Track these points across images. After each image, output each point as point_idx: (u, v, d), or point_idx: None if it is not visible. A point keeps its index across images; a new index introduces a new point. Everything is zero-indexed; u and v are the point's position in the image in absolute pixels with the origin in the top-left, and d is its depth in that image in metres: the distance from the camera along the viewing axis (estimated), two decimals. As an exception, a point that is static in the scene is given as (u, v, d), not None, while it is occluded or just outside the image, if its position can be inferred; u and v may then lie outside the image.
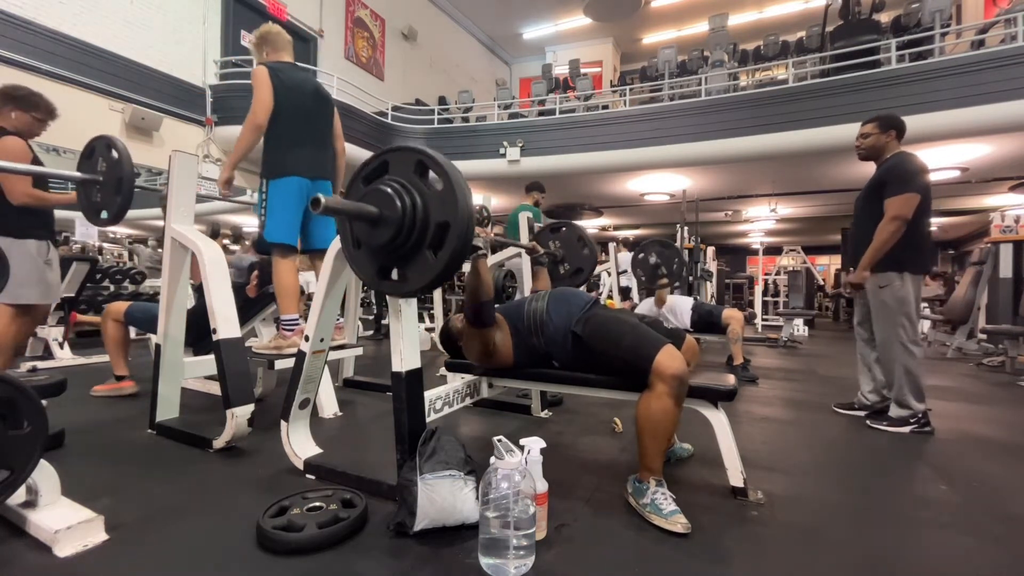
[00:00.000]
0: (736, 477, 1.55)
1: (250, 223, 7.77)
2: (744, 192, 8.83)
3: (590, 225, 12.13)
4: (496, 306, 1.73)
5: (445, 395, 1.83)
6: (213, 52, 6.50)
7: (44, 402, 1.21)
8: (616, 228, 12.55)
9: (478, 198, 5.89)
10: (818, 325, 9.40)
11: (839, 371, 4.14)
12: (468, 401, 1.98)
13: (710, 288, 7.64)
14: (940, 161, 6.37)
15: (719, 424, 1.54)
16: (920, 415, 2.34)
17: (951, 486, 1.72)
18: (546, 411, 2.53)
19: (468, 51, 12.30)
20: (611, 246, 5.64)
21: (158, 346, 2.11)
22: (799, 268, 10.21)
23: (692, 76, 7.79)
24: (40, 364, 3.42)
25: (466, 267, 1.58)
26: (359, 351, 2.90)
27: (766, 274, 10.96)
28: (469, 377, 1.97)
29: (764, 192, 8.93)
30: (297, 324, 2.37)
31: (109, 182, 1.91)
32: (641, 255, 4.23)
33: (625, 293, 5.72)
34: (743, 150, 6.47)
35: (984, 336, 5.00)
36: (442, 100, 9.24)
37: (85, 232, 5.19)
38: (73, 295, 3.95)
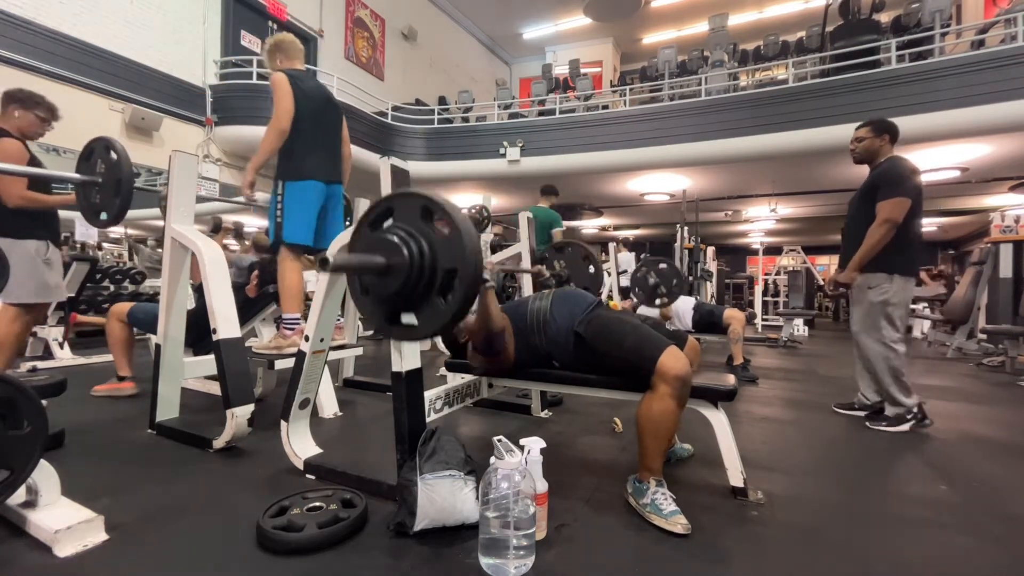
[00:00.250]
0: (736, 477, 1.55)
1: (250, 222, 7.75)
2: (744, 192, 8.82)
3: (590, 225, 12.14)
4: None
5: (445, 395, 1.83)
6: (213, 52, 6.49)
7: (44, 402, 1.21)
8: (616, 228, 12.55)
9: (478, 198, 5.89)
10: (818, 325, 9.40)
11: (839, 371, 4.14)
12: (468, 401, 1.98)
13: (710, 288, 7.64)
14: (940, 161, 6.35)
15: (719, 424, 1.54)
16: (915, 410, 2.36)
17: (951, 486, 1.72)
18: (546, 411, 2.53)
19: (468, 51, 12.29)
20: (611, 246, 5.64)
21: (158, 346, 2.11)
22: (799, 268, 10.22)
23: (692, 76, 7.77)
24: (40, 364, 3.43)
25: None
26: (359, 351, 2.90)
27: (766, 274, 10.96)
28: (469, 377, 1.97)
29: (764, 192, 8.92)
30: (299, 323, 2.38)
31: (108, 183, 1.90)
32: (639, 273, 4.23)
33: (625, 293, 5.72)
34: (743, 150, 6.45)
35: (984, 336, 5.00)
36: (442, 100, 9.23)
37: (85, 232, 5.19)
38: (73, 295, 3.95)
